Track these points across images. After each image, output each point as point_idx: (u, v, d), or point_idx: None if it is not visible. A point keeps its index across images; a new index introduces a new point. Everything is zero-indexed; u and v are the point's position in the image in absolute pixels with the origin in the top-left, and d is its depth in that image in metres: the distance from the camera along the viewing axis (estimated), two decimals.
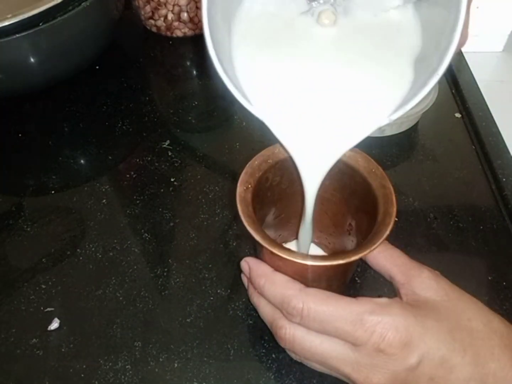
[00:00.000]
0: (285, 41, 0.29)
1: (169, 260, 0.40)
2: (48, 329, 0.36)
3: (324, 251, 0.40)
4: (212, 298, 0.38)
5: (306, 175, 0.29)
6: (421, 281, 0.28)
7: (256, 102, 0.27)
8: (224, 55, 0.27)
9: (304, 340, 0.29)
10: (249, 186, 0.31)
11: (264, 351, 0.35)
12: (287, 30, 0.29)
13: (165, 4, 0.60)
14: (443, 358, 0.26)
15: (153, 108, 0.54)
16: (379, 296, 0.37)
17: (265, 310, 0.31)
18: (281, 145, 0.29)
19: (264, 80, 0.28)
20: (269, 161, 0.33)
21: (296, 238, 0.39)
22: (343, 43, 0.29)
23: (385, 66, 0.28)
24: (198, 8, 0.59)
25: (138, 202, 0.45)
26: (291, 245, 0.40)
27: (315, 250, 0.40)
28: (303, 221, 0.33)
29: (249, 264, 0.31)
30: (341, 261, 0.27)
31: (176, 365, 0.34)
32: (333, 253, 0.40)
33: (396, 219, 0.29)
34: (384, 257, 0.30)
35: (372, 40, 0.28)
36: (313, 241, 0.40)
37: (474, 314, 0.28)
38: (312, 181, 0.30)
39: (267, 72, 0.28)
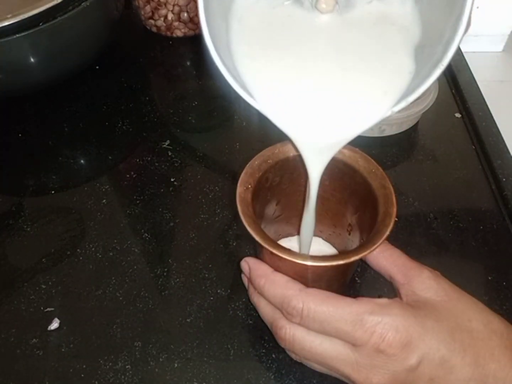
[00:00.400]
0: (283, 34, 0.29)
1: (169, 260, 0.40)
2: (48, 329, 0.36)
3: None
4: (212, 298, 0.38)
5: (310, 161, 0.29)
6: (421, 281, 0.28)
7: (255, 94, 0.27)
8: (224, 51, 0.27)
9: (304, 340, 0.29)
10: (249, 186, 0.31)
11: (264, 351, 0.35)
12: (286, 23, 0.29)
13: (165, 4, 0.60)
14: (443, 359, 0.26)
15: (153, 108, 0.54)
16: (379, 296, 0.37)
17: (265, 310, 0.31)
18: (288, 139, 0.29)
19: (263, 73, 0.28)
20: (269, 161, 0.33)
21: (298, 233, 0.39)
22: (343, 35, 0.29)
23: (385, 58, 0.28)
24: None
25: (138, 202, 0.45)
26: (294, 240, 0.40)
27: (318, 243, 0.40)
28: (305, 215, 0.33)
29: (249, 264, 0.32)
30: (341, 262, 0.27)
31: (176, 365, 0.34)
32: (333, 254, 0.40)
33: (396, 219, 0.29)
34: (384, 257, 0.30)
35: (372, 31, 0.28)
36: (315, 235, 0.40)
37: (474, 314, 0.28)
38: (315, 168, 0.30)
39: (267, 65, 0.28)
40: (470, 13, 0.23)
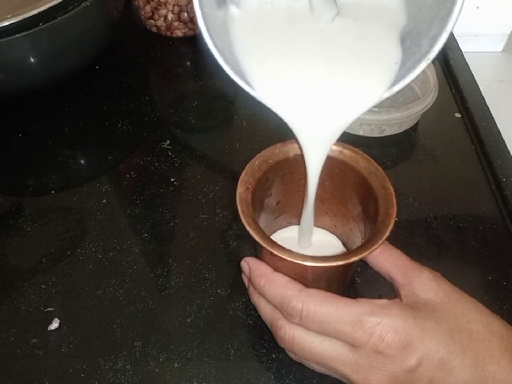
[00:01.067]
0: (281, 25, 0.29)
1: (169, 260, 0.40)
2: (48, 329, 0.36)
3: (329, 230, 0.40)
4: (212, 298, 0.38)
5: (309, 151, 0.30)
6: (421, 282, 0.28)
7: (254, 82, 0.28)
8: (222, 41, 0.27)
9: (304, 341, 0.29)
10: (249, 186, 0.31)
11: (264, 351, 0.35)
12: (283, 14, 0.30)
13: (165, 4, 0.60)
14: (443, 360, 0.26)
15: (153, 108, 0.54)
16: (379, 296, 0.37)
17: (265, 310, 0.31)
18: (288, 137, 0.29)
19: (262, 62, 0.28)
20: (269, 161, 0.33)
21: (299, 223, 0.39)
22: (335, 27, 0.29)
23: (372, 49, 0.28)
24: None
25: (138, 202, 0.45)
26: (294, 229, 0.40)
27: (321, 233, 0.40)
28: (305, 206, 0.33)
29: (249, 264, 0.32)
30: (340, 262, 0.27)
31: (176, 365, 0.34)
32: (336, 250, 0.40)
33: (396, 219, 0.29)
34: (384, 257, 0.30)
35: (361, 22, 0.29)
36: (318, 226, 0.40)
37: (474, 316, 0.28)
38: (315, 157, 0.30)
39: (266, 55, 0.29)
40: (461, 9, 0.23)
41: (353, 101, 0.28)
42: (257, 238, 0.28)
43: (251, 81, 0.28)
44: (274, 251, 0.28)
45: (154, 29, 0.64)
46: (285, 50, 0.29)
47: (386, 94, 0.27)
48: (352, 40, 0.28)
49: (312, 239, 0.37)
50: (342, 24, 0.29)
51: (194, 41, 0.63)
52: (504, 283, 0.38)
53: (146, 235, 0.42)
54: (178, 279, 0.39)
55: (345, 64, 0.28)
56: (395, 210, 0.29)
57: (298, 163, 0.33)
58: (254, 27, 0.29)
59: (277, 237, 0.39)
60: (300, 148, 0.31)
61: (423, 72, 0.51)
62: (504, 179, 0.44)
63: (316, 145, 0.30)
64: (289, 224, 0.39)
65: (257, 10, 0.29)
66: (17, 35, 0.44)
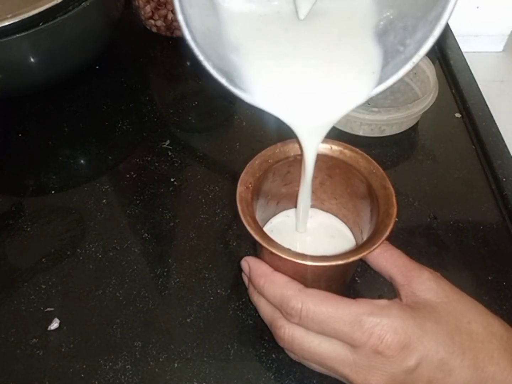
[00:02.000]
0: (273, 30, 0.30)
1: (169, 260, 0.40)
2: (48, 329, 0.36)
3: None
4: (212, 298, 0.38)
5: (302, 135, 0.30)
6: (421, 282, 0.28)
7: (250, 87, 0.28)
8: (217, 47, 0.27)
9: (303, 341, 0.29)
10: (250, 185, 0.31)
11: (264, 351, 0.35)
12: (274, 18, 0.30)
13: (165, 4, 0.60)
14: (442, 361, 0.26)
15: (153, 108, 0.54)
16: (379, 296, 0.37)
17: (265, 310, 0.31)
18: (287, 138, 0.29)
19: (257, 68, 0.29)
20: (269, 161, 0.33)
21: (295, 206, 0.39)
22: (320, 30, 0.29)
23: (349, 51, 0.28)
24: None
25: (138, 202, 0.45)
26: (291, 212, 0.39)
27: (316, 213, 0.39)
28: (302, 192, 0.33)
29: (249, 263, 0.32)
30: (340, 262, 0.27)
31: (176, 365, 0.34)
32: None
33: (396, 219, 0.29)
34: (384, 257, 0.30)
35: (341, 22, 0.29)
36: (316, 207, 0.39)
37: (474, 316, 0.28)
38: (310, 143, 0.30)
39: (260, 60, 0.29)
40: (450, 15, 0.23)
41: (339, 99, 0.28)
42: (257, 237, 0.28)
43: (248, 87, 0.28)
44: (274, 250, 0.28)
45: (154, 29, 0.64)
46: (277, 55, 0.29)
47: (372, 94, 0.27)
48: (334, 43, 0.29)
49: (313, 223, 0.37)
50: (326, 28, 0.29)
51: None
52: (504, 283, 0.38)
53: (146, 235, 0.42)
54: (178, 279, 0.39)
55: (328, 66, 0.28)
56: (395, 210, 0.29)
57: (298, 163, 0.33)
58: (244, 27, 0.29)
59: (275, 220, 0.38)
60: (299, 145, 0.31)
61: (423, 72, 0.51)
62: (504, 179, 0.44)
63: (310, 137, 0.30)
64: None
65: (245, 11, 0.29)
66: (17, 35, 0.44)
